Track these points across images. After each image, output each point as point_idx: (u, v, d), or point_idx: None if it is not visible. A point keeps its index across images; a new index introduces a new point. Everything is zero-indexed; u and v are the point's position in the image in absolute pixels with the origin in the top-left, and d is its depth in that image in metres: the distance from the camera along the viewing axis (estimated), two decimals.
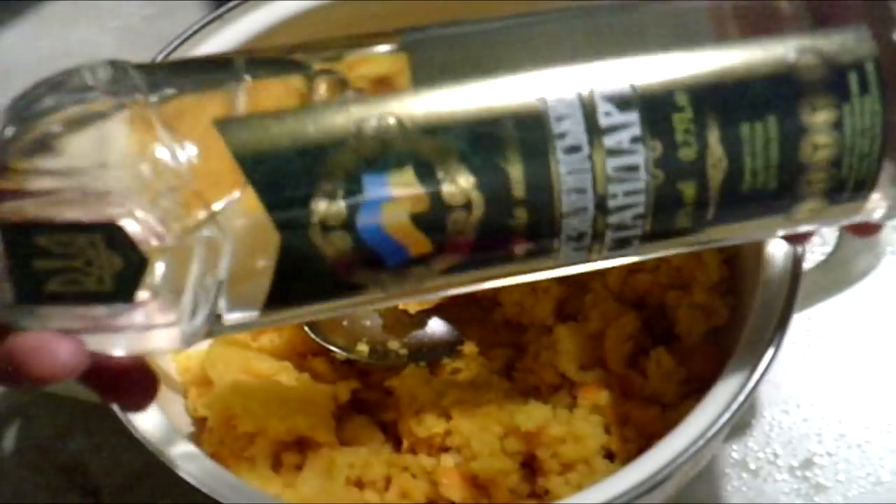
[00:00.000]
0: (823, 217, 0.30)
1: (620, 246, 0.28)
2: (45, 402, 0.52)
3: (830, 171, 0.28)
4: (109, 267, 0.25)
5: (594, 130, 0.26)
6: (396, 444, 0.46)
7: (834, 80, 0.27)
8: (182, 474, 0.37)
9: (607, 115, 0.26)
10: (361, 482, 0.45)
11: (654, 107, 0.26)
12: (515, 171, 0.26)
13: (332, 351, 0.47)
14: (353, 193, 0.26)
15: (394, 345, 0.48)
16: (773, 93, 0.27)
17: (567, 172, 0.26)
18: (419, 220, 0.26)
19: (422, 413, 0.45)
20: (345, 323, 0.48)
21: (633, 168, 0.26)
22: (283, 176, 0.25)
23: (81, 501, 0.50)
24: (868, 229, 0.35)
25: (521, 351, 0.48)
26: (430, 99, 0.26)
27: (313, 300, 0.28)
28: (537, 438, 0.43)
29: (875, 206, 0.30)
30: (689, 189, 0.27)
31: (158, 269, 0.25)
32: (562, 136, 0.26)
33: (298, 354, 0.48)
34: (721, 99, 0.27)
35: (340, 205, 0.26)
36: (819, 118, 0.27)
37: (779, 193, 0.28)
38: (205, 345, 0.48)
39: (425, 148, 0.26)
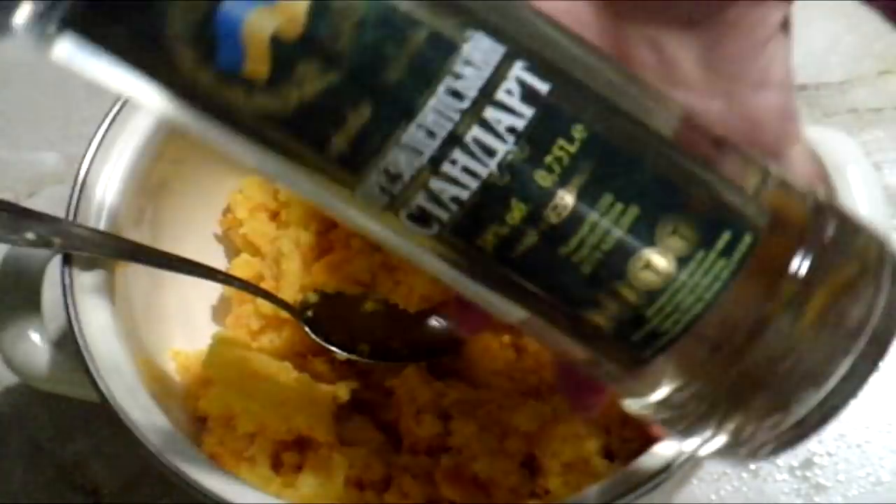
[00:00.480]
0: (598, 352, 0.27)
1: (419, 220, 0.25)
2: (45, 402, 0.52)
3: (641, 297, 0.26)
4: None
5: (486, 95, 0.24)
6: (396, 444, 0.46)
7: (708, 223, 0.26)
8: (182, 474, 0.37)
9: (508, 94, 0.24)
10: (361, 482, 0.45)
11: (551, 119, 0.25)
12: (393, 71, 0.24)
13: (333, 351, 0.47)
14: None
15: (394, 344, 0.48)
16: (656, 192, 0.25)
17: (432, 108, 0.24)
18: (277, 44, 0.24)
19: (422, 413, 0.45)
20: (346, 323, 0.48)
21: (489, 151, 0.25)
22: None
23: (81, 501, 0.50)
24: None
25: (521, 351, 0.48)
26: None
27: (124, 51, 0.24)
28: (537, 438, 0.43)
29: (639, 388, 0.28)
30: (518, 210, 0.25)
31: None
32: (455, 76, 0.24)
33: (298, 354, 0.48)
34: (609, 160, 0.25)
35: None
36: (671, 242, 0.25)
37: (586, 283, 0.26)
38: (205, 345, 0.48)
39: None
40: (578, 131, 0.25)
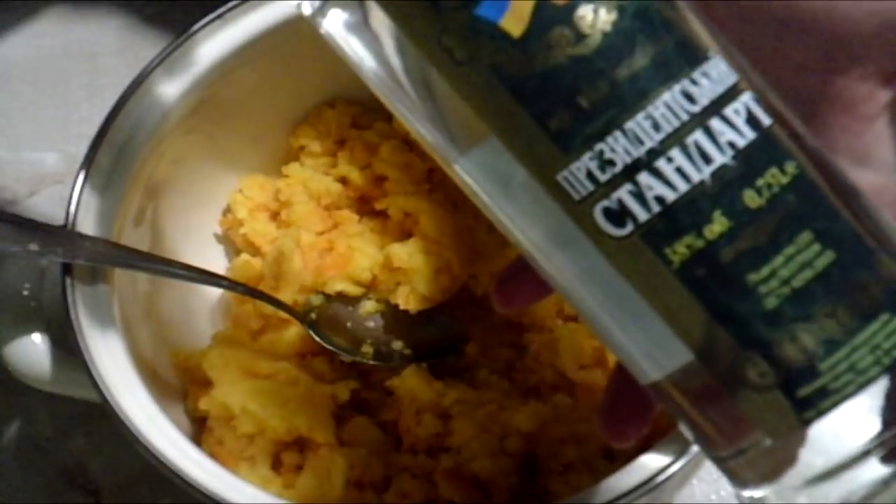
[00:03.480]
0: (752, 411, 0.26)
1: (614, 217, 0.25)
2: (45, 402, 0.52)
3: (819, 347, 0.25)
4: None
5: (716, 107, 0.25)
6: (396, 444, 0.46)
7: None
8: (182, 474, 0.37)
9: (735, 112, 0.25)
10: (361, 482, 0.45)
11: (768, 147, 0.25)
12: (639, 59, 0.24)
13: (337, 353, 0.47)
14: None
15: (397, 345, 0.48)
16: (853, 245, 0.25)
17: (665, 102, 0.24)
18: (542, 6, 0.24)
19: (422, 413, 0.45)
20: (349, 325, 0.48)
21: (707, 159, 0.25)
22: None
23: (81, 501, 0.50)
24: None
25: (522, 351, 0.48)
26: None
27: None
28: (537, 439, 0.43)
29: (787, 462, 0.26)
30: (719, 224, 0.25)
31: None
32: (693, 81, 0.25)
33: (298, 354, 0.48)
34: (815, 201, 0.25)
35: None
36: (858, 296, 0.25)
37: (767, 318, 0.25)
38: (205, 345, 0.48)
39: None
40: (791, 167, 0.25)
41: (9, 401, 0.53)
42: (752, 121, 0.25)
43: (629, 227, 0.25)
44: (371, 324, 0.48)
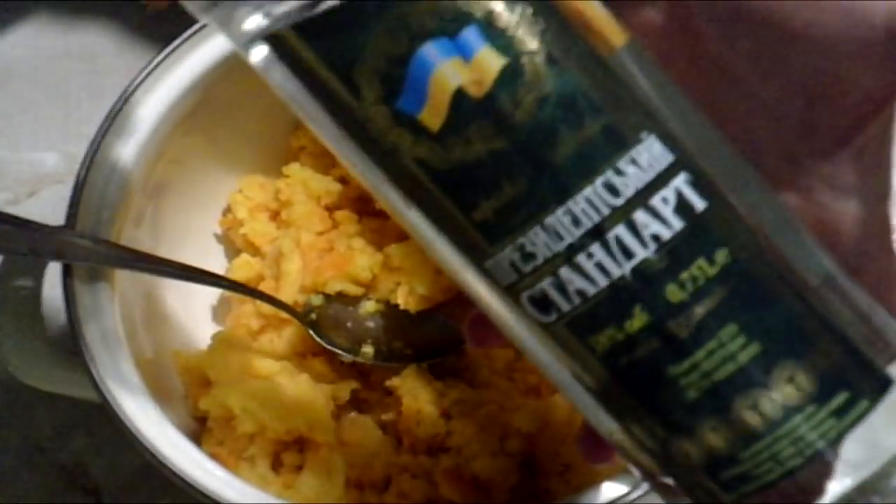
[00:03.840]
0: (682, 484, 0.26)
1: (539, 304, 0.25)
2: (45, 402, 0.52)
3: (739, 437, 0.25)
4: None
5: (642, 198, 0.24)
6: (396, 444, 0.46)
7: (828, 380, 0.25)
8: (182, 474, 0.37)
9: (663, 201, 0.24)
10: (361, 482, 0.45)
11: (697, 237, 0.24)
12: (559, 152, 0.24)
13: (337, 353, 0.47)
14: (445, 27, 0.23)
15: (397, 345, 0.48)
16: (782, 336, 0.24)
17: (585, 197, 0.24)
18: (459, 99, 0.24)
19: (422, 413, 0.45)
20: (349, 325, 0.48)
21: (628, 253, 0.24)
22: None
23: (81, 501, 0.50)
24: None
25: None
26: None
27: (312, 74, 0.25)
28: (537, 438, 0.43)
29: None
30: (639, 319, 0.24)
31: None
32: (617, 172, 0.24)
33: (298, 354, 0.48)
34: (744, 292, 0.24)
35: (426, 21, 0.23)
36: (785, 388, 0.25)
37: (687, 408, 0.25)
38: (205, 345, 0.48)
39: (534, 60, 0.23)
40: (722, 256, 0.24)
41: (9, 401, 0.53)
42: (681, 208, 0.24)
43: (553, 315, 0.25)
44: (371, 324, 0.48)
